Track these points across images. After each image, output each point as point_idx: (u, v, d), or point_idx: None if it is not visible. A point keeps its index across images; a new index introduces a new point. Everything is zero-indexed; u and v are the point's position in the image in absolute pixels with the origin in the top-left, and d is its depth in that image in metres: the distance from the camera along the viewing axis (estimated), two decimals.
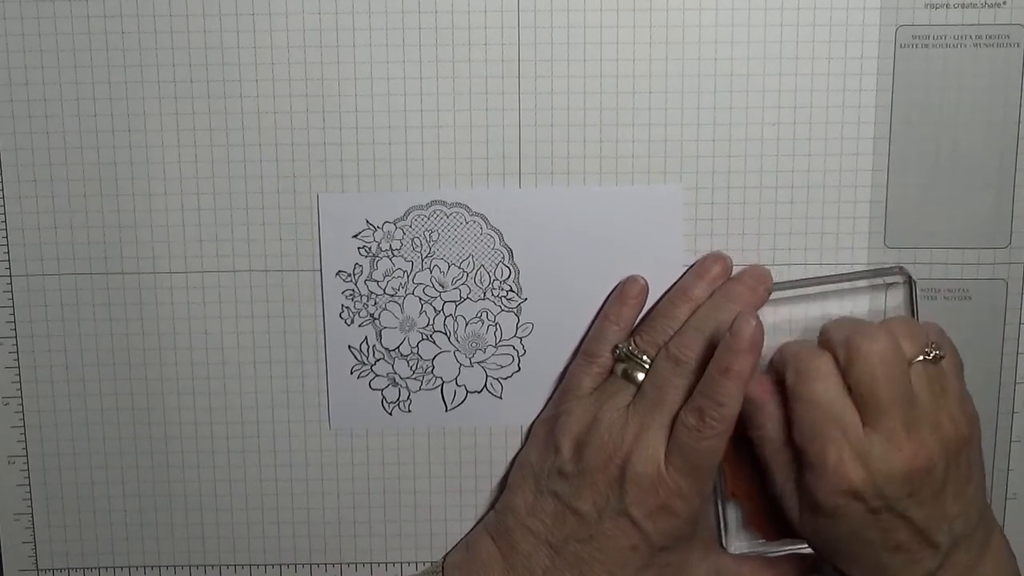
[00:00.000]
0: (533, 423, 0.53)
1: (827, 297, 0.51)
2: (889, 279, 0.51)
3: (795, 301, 0.51)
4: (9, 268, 0.52)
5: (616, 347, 0.50)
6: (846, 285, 0.51)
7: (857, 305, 0.51)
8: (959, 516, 0.46)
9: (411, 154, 0.51)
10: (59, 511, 0.54)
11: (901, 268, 0.51)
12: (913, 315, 0.51)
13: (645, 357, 0.49)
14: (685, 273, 0.51)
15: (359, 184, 0.51)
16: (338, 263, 0.52)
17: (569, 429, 0.49)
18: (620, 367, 0.49)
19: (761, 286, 0.50)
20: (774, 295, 0.51)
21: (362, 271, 0.52)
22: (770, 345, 0.51)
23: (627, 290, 0.51)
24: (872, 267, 0.51)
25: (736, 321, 0.46)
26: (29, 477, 0.54)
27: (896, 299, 0.51)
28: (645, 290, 0.51)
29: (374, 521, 0.54)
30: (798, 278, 0.51)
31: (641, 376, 0.48)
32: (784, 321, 0.51)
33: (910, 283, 0.51)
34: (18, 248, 0.52)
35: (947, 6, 0.49)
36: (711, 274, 0.50)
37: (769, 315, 0.51)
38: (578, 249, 0.51)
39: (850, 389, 0.45)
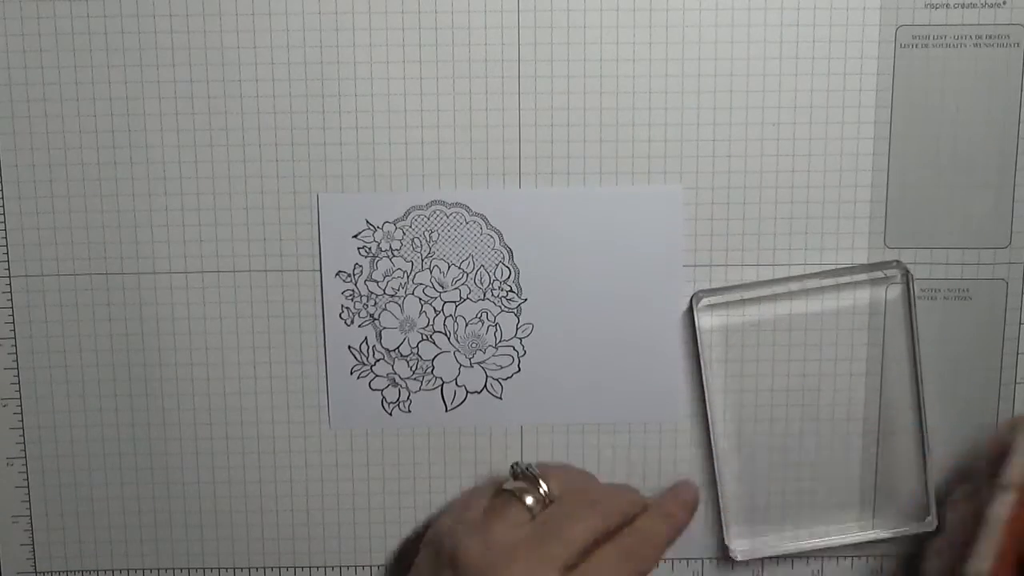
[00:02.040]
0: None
1: (825, 292, 0.51)
2: (888, 272, 0.51)
3: (794, 296, 0.51)
4: (8, 268, 0.52)
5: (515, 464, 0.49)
6: (844, 279, 0.51)
7: (857, 301, 0.51)
8: None
9: (411, 154, 0.51)
10: (58, 513, 0.54)
11: (898, 262, 0.51)
12: (910, 309, 0.51)
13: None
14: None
15: (359, 184, 0.51)
16: (338, 263, 0.51)
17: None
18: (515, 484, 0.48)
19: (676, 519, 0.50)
20: (773, 291, 0.51)
21: (362, 271, 0.52)
22: (765, 343, 0.51)
23: None
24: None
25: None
26: (28, 479, 0.54)
27: (895, 294, 0.51)
28: None
29: (374, 522, 0.54)
30: (796, 275, 0.51)
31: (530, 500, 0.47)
32: (784, 317, 0.51)
33: (907, 277, 0.51)
34: (18, 248, 0.51)
35: (947, 6, 0.49)
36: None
37: (768, 311, 0.51)
38: (578, 249, 0.51)
39: None
